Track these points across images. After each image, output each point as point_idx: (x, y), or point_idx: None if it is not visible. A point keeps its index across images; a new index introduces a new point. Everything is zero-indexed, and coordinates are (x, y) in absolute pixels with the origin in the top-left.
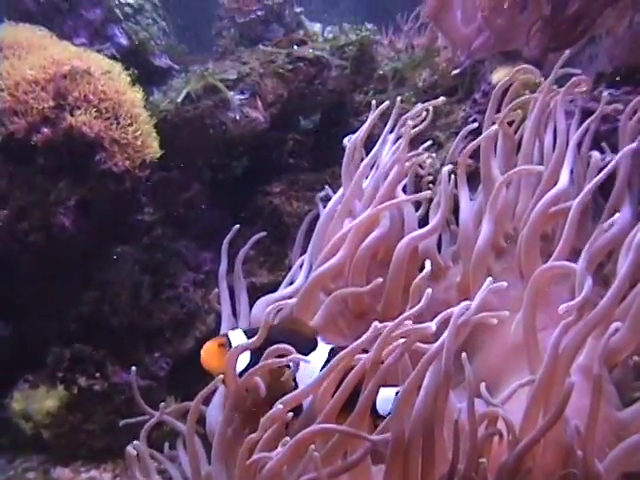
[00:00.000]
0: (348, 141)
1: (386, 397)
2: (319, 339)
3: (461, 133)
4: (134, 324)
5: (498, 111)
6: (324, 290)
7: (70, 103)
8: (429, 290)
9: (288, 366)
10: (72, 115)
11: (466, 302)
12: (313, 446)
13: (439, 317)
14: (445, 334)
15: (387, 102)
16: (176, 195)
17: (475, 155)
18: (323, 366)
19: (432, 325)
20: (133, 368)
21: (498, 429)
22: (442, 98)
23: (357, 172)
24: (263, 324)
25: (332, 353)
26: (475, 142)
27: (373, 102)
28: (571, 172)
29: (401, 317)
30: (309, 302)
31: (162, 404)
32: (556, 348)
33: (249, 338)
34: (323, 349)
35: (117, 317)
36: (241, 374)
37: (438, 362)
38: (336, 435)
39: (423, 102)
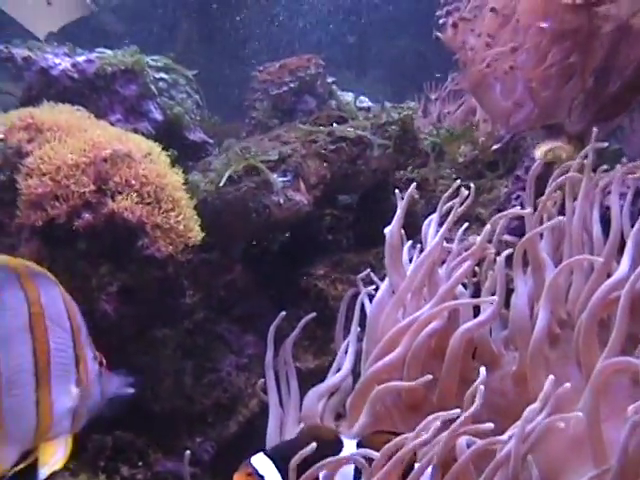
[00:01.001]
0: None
1: None
2: (342, 437)
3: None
4: (176, 409)
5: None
6: (378, 383)
7: (111, 188)
8: (482, 387)
9: None
10: (114, 200)
11: (533, 406)
12: None
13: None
14: (513, 441)
15: (412, 186)
16: (217, 277)
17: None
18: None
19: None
20: (187, 452)
21: None
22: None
23: (413, 268)
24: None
25: (360, 446)
26: (533, 232)
27: (397, 192)
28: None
29: (459, 421)
30: (365, 397)
31: None
32: (625, 451)
33: (274, 461)
34: (350, 445)
35: (159, 403)
36: None
37: (506, 467)
38: None
39: (464, 179)
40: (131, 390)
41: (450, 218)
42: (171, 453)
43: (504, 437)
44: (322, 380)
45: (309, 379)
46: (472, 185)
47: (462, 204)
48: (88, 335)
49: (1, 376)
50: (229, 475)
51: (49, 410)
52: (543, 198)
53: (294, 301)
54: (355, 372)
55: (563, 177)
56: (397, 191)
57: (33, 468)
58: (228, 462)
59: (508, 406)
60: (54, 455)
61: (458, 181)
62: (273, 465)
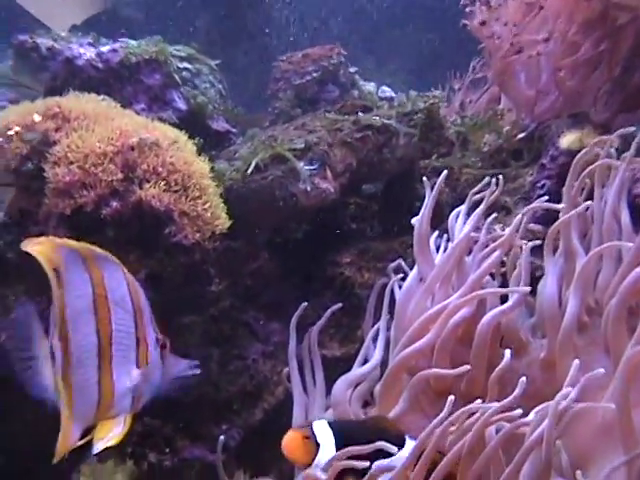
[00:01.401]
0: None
1: None
2: (406, 436)
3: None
4: (203, 396)
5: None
6: (407, 370)
7: (139, 176)
8: (523, 379)
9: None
10: (141, 188)
11: (566, 390)
12: None
13: (537, 409)
14: (545, 422)
15: (444, 174)
16: (243, 265)
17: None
18: None
19: (531, 415)
20: (221, 438)
21: None
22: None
23: (442, 257)
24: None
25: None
26: (561, 220)
27: (425, 179)
28: None
29: (492, 410)
30: (394, 384)
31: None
32: None
33: (333, 430)
34: (411, 446)
35: (186, 390)
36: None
37: (538, 451)
38: None
39: (489, 167)
40: (195, 371)
41: (480, 210)
42: (198, 440)
43: (530, 418)
44: (348, 368)
45: (335, 367)
46: (500, 176)
47: (492, 195)
48: (151, 317)
49: (72, 355)
50: (254, 461)
51: (110, 389)
52: (575, 184)
53: (320, 289)
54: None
55: (595, 164)
56: (425, 179)
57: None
58: (254, 449)
59: (536, 392)
60: (110, 432)
61: (487, 178)
62: (333, 438)
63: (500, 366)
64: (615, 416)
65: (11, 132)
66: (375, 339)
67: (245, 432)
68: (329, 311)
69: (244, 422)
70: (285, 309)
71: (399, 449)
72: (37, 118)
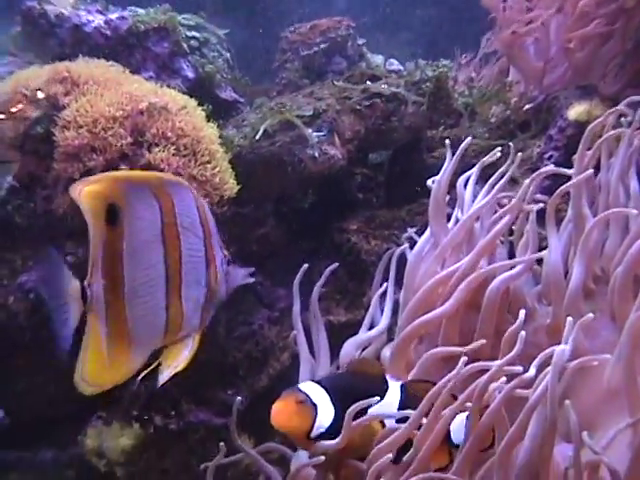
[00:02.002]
0: (432, 183)
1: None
2: (388, 377)
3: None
4: (209, 361)
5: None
6: (418, 337)
7: (148, 140)
8: (523, 333)
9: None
10: (150, 152)
11: (563, 346)
12: None
13: (536, 361)
14: (548, 379)
15: (468, 140)
16: (250, 231)
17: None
18: (399, 405)
19: (532, 369)
20: (238, 399)
21: (603, 477)
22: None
23: (456, 226)
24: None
25: (403, 389)
26: (569, 184)
27: (447, 142)
28: None
29: (499, 364)
30: (405, 349)
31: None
32: None
33: (325, 389)
34: (395, 387)
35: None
36: (328, 430)
37: (543, 409)
38: None
39: (496, 138)
40: (252, 279)
41: (500, 184)
42: (203, 404)
43: (531, 373)
44: (354, 333)
45: (341, 332)
46: (511, 144)
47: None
48: (219, 237)
49: (124, 286)
50: (259, 426)
51: (179, 314)
52: (588, 153)
53: (326, 255)
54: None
55: (608, 134)
56: (447, 141)
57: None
58: (259, 414)
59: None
60: (177, 358)
61: (498, 152)
62: (327, 395)
63: (515, 325)
64: (620, 381)
65: (14, 109)
66: (382, 303)
67: (250, 397)
68: (328, 270)
69: (249, 387)
70: (291, 275)
71: (382, 391)
72: (40, 95)
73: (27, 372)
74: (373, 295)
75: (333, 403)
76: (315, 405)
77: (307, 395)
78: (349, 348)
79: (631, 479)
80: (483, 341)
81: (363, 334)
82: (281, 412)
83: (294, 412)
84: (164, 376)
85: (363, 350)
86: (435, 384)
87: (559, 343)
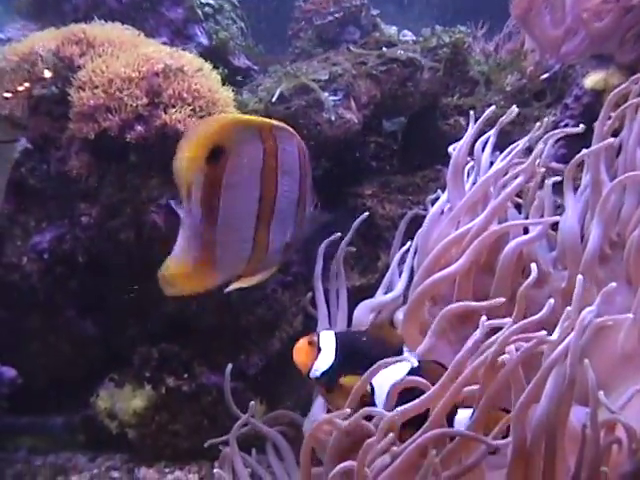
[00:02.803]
0: (453, 149)
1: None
2: (405, 349)
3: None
4: (221, 325)
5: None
6: (430, 298)
7: (164, 101)
8: (551, 301)
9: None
10: (166, 113)
11: (590, 308)
12: (434, 451)
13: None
14: (570, 338)
15: (492, 108)
16: None
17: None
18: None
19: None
20: (229, 366)
21: (619, 437)
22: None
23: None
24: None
25: (418, 367)
26: (589, 150)
27: (472, 113)
28: None
29: (519, 325)
30: (417, 311)
31: (252, 404)
32: None
33: (337, 339)
34: (409, 358)
35: (204, 317)
36: (325, 373)
37: (561, 367)
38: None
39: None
40: (328, 216)
41: (519, 147)
42: (215, 367)
43: (554, 337)
44: (368, 297)
45: (355, 297)
46: (516, 109)
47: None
48: (311, 182)
49: (219, 216)
50: (272, 390)
51: (264, 247)
52: (602, 120)
53: (341, 220)
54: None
55: (629, 102)
56: (472, 112)
57: None
58: (271, 378)
59: (557, 322)
60: (252, 278)
61: (515, 109)
62: (334, 346)
63: (526, 282)
64: (636, 345)
65: (21, 88)
66: (400, 265)
67: (263, 361)
68: (354, 226)
69: (262, 351)
70: (305, 240)
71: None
72: (47, 74)
73: (40, 333)
74: (392, 259)
75: (336, 354)
76: (320, 349)
77: (319, 340)
78: (363, 311)
79: None
80: (502, 299)
81: (378, 298)
82: (296, 346)
83: (302, 349)
84: (234, 285)
85: (378, 314)
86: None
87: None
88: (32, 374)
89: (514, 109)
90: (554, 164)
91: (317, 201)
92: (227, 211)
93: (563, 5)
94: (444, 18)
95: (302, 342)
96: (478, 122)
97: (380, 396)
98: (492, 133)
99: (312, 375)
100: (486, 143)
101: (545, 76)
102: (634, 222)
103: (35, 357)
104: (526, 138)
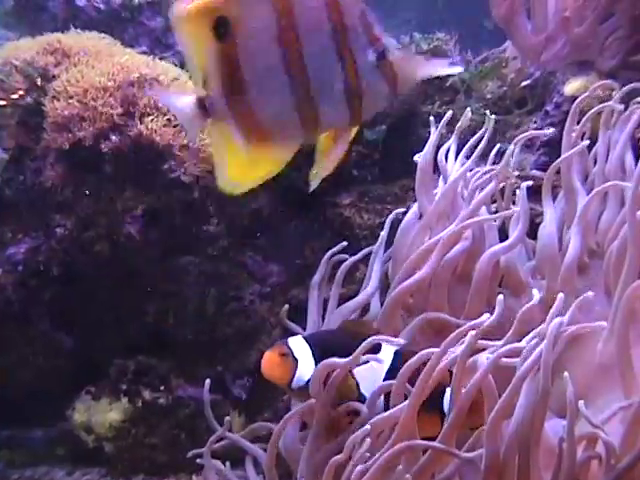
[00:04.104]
0: (419, 157)
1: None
2: (382, 339)
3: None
4: (198, 337)
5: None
6: (402, 305)
7: (139, 110)
8: (500, 297)
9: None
10: (141, 122)
11: (560, 318)
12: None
13: (532, 333)
14: (540, 348)
15: (449, 113)
16: (242, 205)
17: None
18: (387, 370)
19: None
20: (207, 381)
21: (598, 452)
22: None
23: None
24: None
25: (396, 356)
26: (563, 158)
27: (431, 119)
28: None
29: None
30: (391, 318)
31: (227, 418)
32: None
33: (310, 343)
34: (387, 351)
35: (181, 329)
36: (307, 383)
37: (535, 378)
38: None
39: (491, 115)
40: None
41: (481, 144)
42: (193, 379)
43: (521, 344)
44: None
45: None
46: (492, 116)
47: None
48: (368, 27)
49: (248, 93)
50: (250, 402)
51: (311, 110)
52: (576, 127)
53: (319, 230)
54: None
55: (600, 106)
56: (432, 118)
57: None
58: (250, 389)
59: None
60: (327, 159)
61: (492, 116)
62: (310, 350)
63: (531, 303)
64: (613, 356)
65: (15, 96)
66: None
67: (241, 374)
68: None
69: (240, 363)
70: (283, 250)
71: (375, 354)
72: (22, 84)
73: (15, 345)
74: (370, 268)
75: (315, 358)
76: (296, 359)
77: (291, 349)
78: (336, 317)
79: (624, 453)
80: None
81: (349, 302)
82: (266, 362)
83: (276, 363)
84: (314, 183)
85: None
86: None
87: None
88: (8, 386)
89: (491, 117)
90: (534, 172)
91: (381, 49)
92: (255, 87)
93: (544, 11)
94: (429, 25)
95: (271, 356)
96: (439, 128)
97: (366, 388)
98: (452, 140)
99: (295, 386)
100: (449, 151)
101: (526, 83)
102: (613, 232)
103: (11, 369)
104: (485, 136)
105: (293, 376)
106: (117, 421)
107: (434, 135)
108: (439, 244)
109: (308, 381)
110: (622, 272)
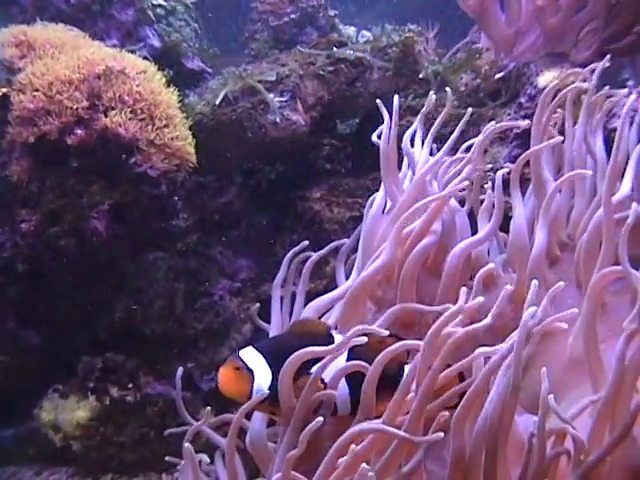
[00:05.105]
0: (378, 138)
1: None
2: (333, 332)
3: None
4: (168, 333)
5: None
6: (371, 298)
7: (104, 104)
8: (464, 288)
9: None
10: (106, 116)
11: (533, 309)
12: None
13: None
14: (511, 343)
15: (432, 97)
16: (211, 200)
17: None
18: (348, 359)
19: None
20: (179, 370)
21: (566, 448)
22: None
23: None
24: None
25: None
26: (532, 150)
27: (378, 100)
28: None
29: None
30: (355, 307)
31: (207, 409)
32: (622, 361)
33: (262, 352)
34: (339, 339)
35: (150, 326)
36: (271, 388)
37: (506, 373)
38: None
39: (466, 107)
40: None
41: (454, 135)
42: (161, 376)
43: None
44: None
45: (305, 303)
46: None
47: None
48: None
49: None
50: (220, 399)
51: None
52: (543, 118)
53: (290, 224)
54: None
55: (566, 89)
56: (378, 100)
57: None
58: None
59: (504, 326)
60: None
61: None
62: (263, 359)
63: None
64: (582, 351)
65: None
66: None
67: (211, 370)
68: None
69: (210, 360)
70: (254, 245)
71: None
72: None
73: None
74: (339, 264)
75: (270, 366)
76: (251, 371)
77: (244, 362)
78: (310, 310)
79: (592, 448)
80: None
81: (322, 297)
82: (222, 379)
83: (233, 379)
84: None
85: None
86: (391, 336)
87: (521, 310)
88: None
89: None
90: (509, 164)
91: None
92: None
93: (518, 3)
94: (405, 18)
95: (226, 372)
96: (394, 110)
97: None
98: (416, 124)
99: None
100: (414, 137)
101: (500, 75)
102: (583, 224)
103: None
104: (457, 129)
105: (252, 388)
106: (85, 419)
107: (390, 118)
108: (405, 234)
109: (269, 389)
110: (594, 267)
